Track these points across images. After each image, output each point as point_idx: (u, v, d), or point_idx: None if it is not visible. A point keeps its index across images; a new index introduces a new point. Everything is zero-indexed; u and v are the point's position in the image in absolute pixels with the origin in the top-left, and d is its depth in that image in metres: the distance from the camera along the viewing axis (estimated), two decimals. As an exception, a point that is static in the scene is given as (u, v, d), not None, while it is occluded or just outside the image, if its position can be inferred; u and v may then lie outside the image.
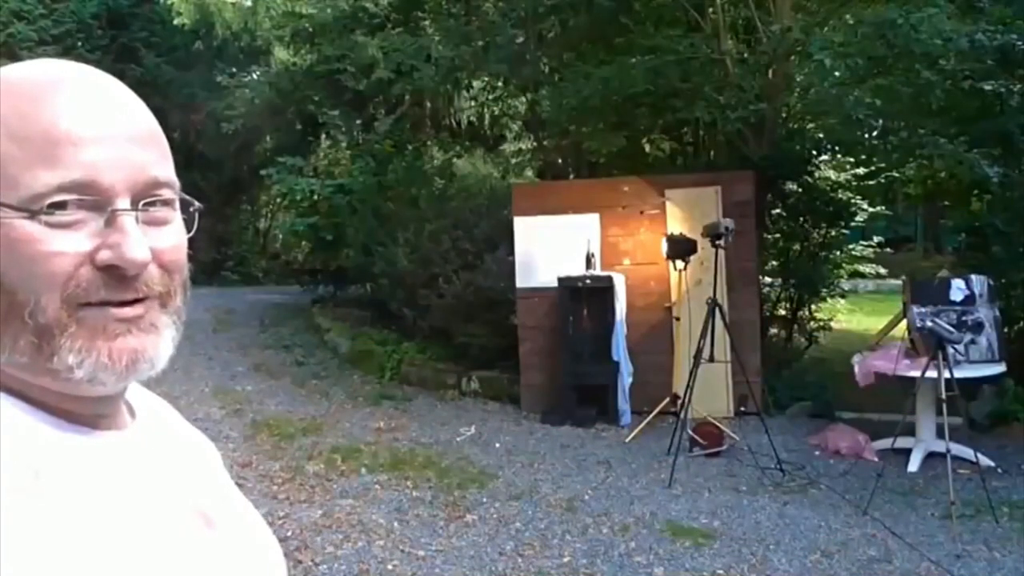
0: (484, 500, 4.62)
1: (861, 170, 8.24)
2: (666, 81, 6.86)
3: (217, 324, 9.43)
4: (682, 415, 5.30)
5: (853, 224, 8.39)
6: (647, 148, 9.59)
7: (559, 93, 7.59)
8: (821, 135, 8.44)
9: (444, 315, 7.45)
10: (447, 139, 10.95)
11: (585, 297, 6.40)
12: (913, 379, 4.81)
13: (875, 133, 8.64)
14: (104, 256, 0.56)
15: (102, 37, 13.63)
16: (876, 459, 5.12)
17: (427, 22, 9.81)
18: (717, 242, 5.26)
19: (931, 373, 4.53)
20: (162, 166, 0.61)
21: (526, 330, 6.82)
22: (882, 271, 9.48)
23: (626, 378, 6.28)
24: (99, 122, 0.58)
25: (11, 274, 0.55)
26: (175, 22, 11.96)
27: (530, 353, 6.78)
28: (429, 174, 9.78)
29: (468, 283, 7.25)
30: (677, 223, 6.42)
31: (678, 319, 6.34)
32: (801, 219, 7.63)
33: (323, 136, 11.47)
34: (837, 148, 8.77)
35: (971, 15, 5.98)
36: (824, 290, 7.91)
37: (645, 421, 5.98)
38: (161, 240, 0.60)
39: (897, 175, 9.57)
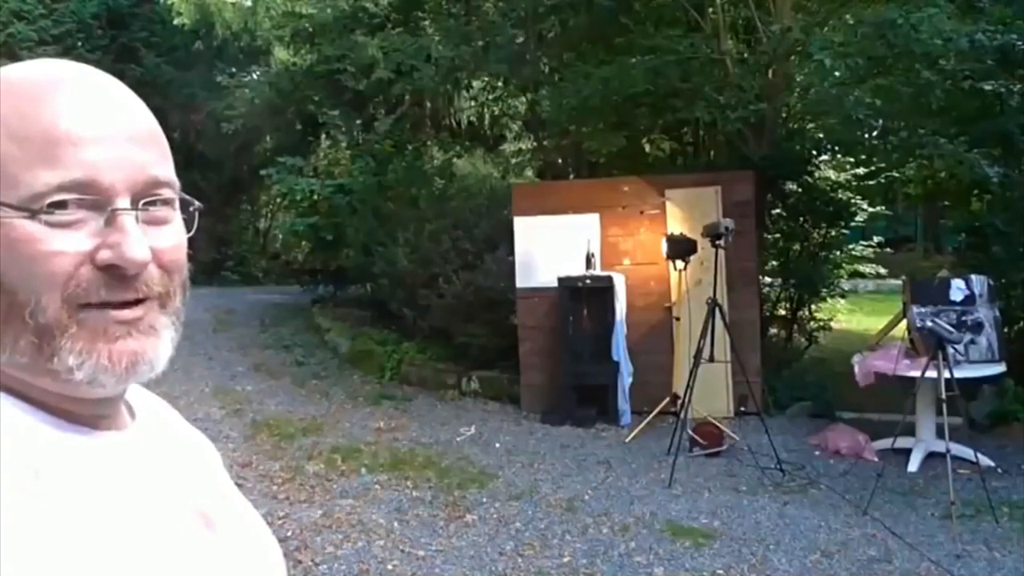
0: (484, 500, 4.62)
1: (861, 170, 8.24)
2: (666, 81, 6.86)
3: (217, 324, 9.43)
4: (682, 415, 5.30)
5: (853, 224, 8.39)
6: (647, 148, 9.59)
7: (559, 93, 7.59)
8: (821, 135, 8.44)
9: (444, 315, 7.45)
10: (447, 139, 10.95)
11: (585, 297, 6.40)
12: (913, 379, 4.81)
13: (875, 133, 8.64)
14: (104, 256, 0.56)
15: (102, 37, 13.64)
16: (876, 459, 5.12)
17: (427, 22, 9.81)
18: (717, 242, 5.26)
19: (931, 373, 4.53)
20: (162, 166, 0.61)
21: (526, 330, 6.82)
22: (882, 271, 9.48)
23: (626, 378, 6.28)
24: (99, 122, 0.58)
25: (11, 274, 0.55)
26: (175, 22, 11.96)
27: (530, 353, 6.78)
28: (429, 174, 9.78)
29: (468, 283, 7.25)
30: (677, 223, 6.43)
31: (678, 319, 6.34)
32: (801, 219, 7.63)
33: (323, 136, 11.47)
34: (837, 148, 8.77)
35: (971, 15, 5.98)
36: (824, 290, 7.91)
37: (645, 421, 5.98)
38: (161, 240, 0.60)
39: (897, 175, 9.57)
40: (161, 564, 0.57)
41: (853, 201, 7.97)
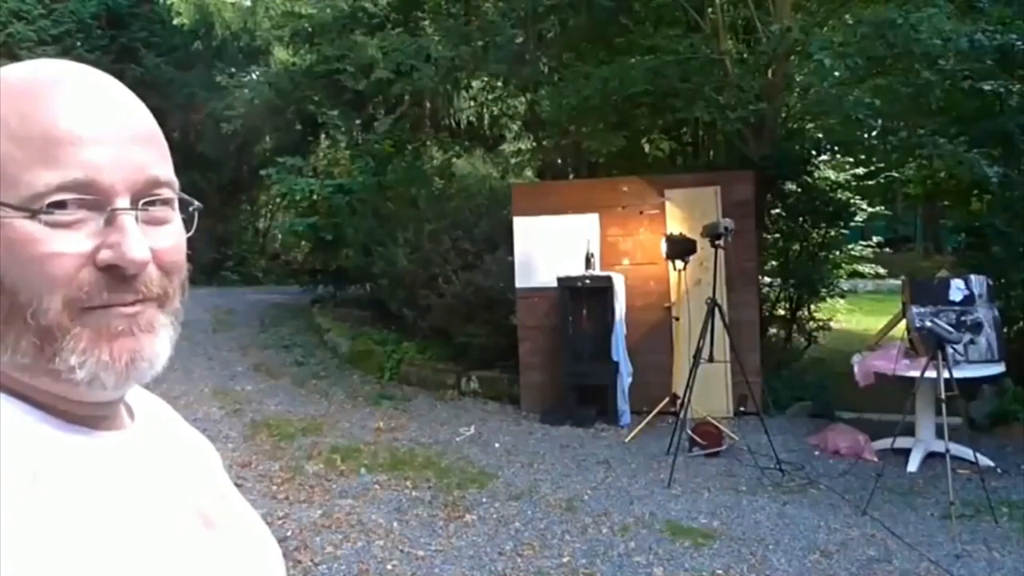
0: (483, 500, 4.62)
1: (861, 170, 8.24)
2: (666, 81, 6.86)
3: (217, 324, 9.43)
4: (682, 415, 5.30)
5: (853, 224, 8.39)
6: (647, 148, 9.59)
7: (559, 93, 7.59)
8: (821, 135, 8.45)
9: (444, 315, 7.45)
10: (446, 139, 10.94)
11: (585, 297, 6.41)
12: (912, 379, 4.81)
13: (875, 133, 8.65)
14: (104, 256, 0.56)
15: (102, 37, 13.64)
16: (876, 459, 5.12)
17: (427, 22, 9.81)
18: (717, 242, 5.26)
19: (930, 373, 4.53)
20: (161, 166, 0.61)
21: (526, 330, 6.82)
22: (881, 271, 9.49)
23: (625, 378, 6.28)
24: (99, 122, 0.58)
25: (12, 275, 0.55)
26: (175, 22, 11.97)
27: (530, 353, 6.78)
28: (429, 174, 9.78)
29: (468, 283, 7.25)
30: (677, 223, 6.43)
31: (677, 319, 6.34)
32: (801, 219, 7.63)
33: (323, 136, 11.47)
34: (837, 148, 8.78)
35: (971, 15, 5.98)
36: (823, 290, 7.91)
37: (645, 421, 5.98)
38: (161, 240, 0.60)
39: (897, 175, 9.58)
40: (161, 564, 0.57)
41: (853, 201, 7.97)
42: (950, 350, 4.55)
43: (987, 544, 3.92)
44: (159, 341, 0.60)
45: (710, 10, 7.24)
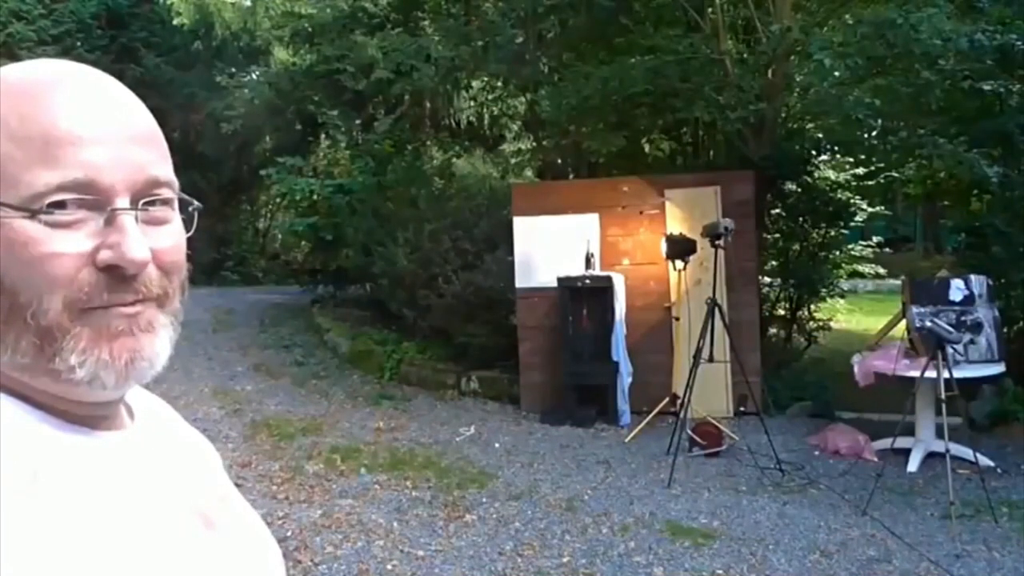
0: (483, 500, 4.62)
1: (861, 170, 8.24)
2: (666, 81, 6.86)
3: (217, 324, 9.43)
4: (682, 415, 5.30)
5: (852, 224, 8.39)
6: (647, 148, 9.59)
7: (559, 93, 7.58)
8: (821, 135, 8.45)
9: (444, 315, 7.45)
10: (446, 139, 10.95)
11: (585, 297, 6.41)
12: (912, 379, 4.81)
13: (875, 133, 8.65)
14: (104, 256, 0.56)
15: (101, 37, 13.64)
16: (875, 459, 5.12)
17: (426, 22, 9.81)
18: (717, 242, 5.26)
19: (930, 373, 4.53)
20: (161, 166, 0.61)
21: (526, 330, 6.82)
22: (881, 271, 9.49)
23: (625, 378, 6.28)
24: (98, 122, 0.58)
25: (12, 275, 0.55)
26: (175, 22, 11.97)
27: (530, 353, 6.78)
28: (428, 174, 9.78)
29: (468, 283, 7.25)
30: (677, 223, 6.43)
31: (677, 319, 6.34)
32: (801, 219, 7.63)
33: (323, 136, 11.47)
34: (837, 148, 8.78)
35: (971, 15, 5.98)
36: (823, 290, 7.91)
37: (645, 421, 5.98)
38: (160, 240, 0.60)
39: (897, 175, 9.58)
40: (160, 564, 0.57)
41: (852, 201, 7.97)
42: (950, 350, 4.55)
43: (987, 544, 3.92)
44: (159, 341, 0.60)
45: (710, 10, 7.24)
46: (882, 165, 8.73)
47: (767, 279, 7.74)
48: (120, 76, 0.61)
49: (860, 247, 8.97)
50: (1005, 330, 5.62)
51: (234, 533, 0.69)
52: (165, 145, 0.63)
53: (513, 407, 6.78)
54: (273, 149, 12.78)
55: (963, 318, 4.99)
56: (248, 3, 12.16)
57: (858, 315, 10.05)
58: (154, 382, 0.63)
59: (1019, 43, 5.50)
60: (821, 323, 8.16)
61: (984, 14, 6.06)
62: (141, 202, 0.59)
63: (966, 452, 4.69)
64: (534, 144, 10.33)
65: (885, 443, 5.11)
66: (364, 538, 4.05)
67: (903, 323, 5.30)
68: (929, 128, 6.62)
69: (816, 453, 5.45)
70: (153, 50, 13.99)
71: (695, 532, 4.14)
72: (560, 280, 6.43)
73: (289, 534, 4.04)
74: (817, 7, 7.67)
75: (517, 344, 6.84)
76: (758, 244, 6.91)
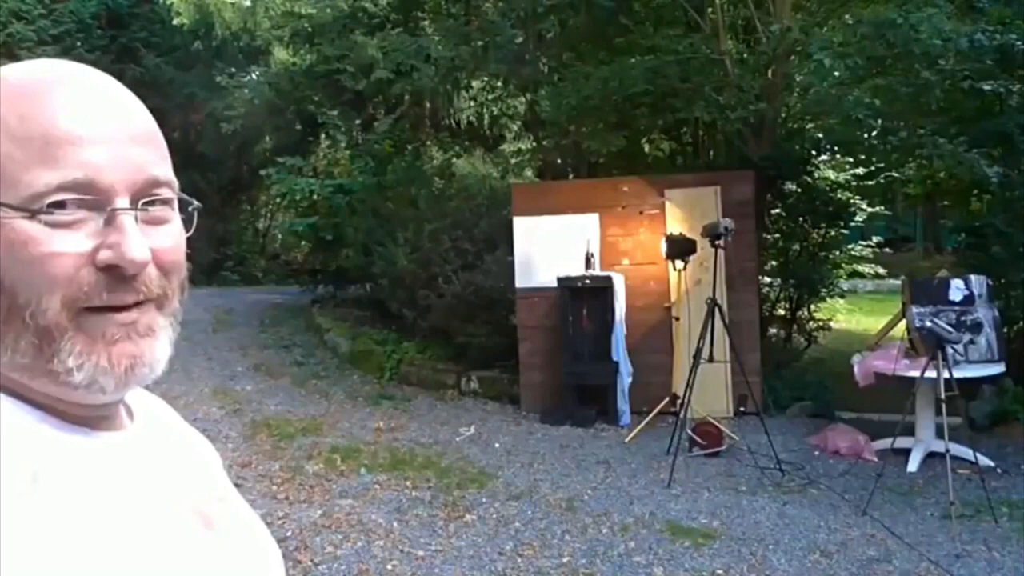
0: (483, 500, 4.62)
1: (861, 170, 8.24)
2: (666, 81, 6.86)
3: (217, 324, 9.43)
4: (681, 415, 5.30)
5: (852, 224, 8.39)
6: (647, 148, 9.59)
7: (559, 93, 7.59)
8: (821, 135, 8.44)
9: (444, 315, 7.45)
10: (446, 139, 10.94)
11: (585, 297, 6.40)
12: (912, 379, 4.81)
13: (875, 133, 8.63)
14: (104, 256, 0.56)
15: (101, 37, 13.64)
16: (875, 459, 5.12)
17: (426, 22, 9.82)
18: (716, 242, 5.26)
19: (930, 373, 4.53)
20: (161, 166, 0.61)
21: (526, 330, 6.82)
22: (881, 271, 9.49)
23: (625, 378, 6.28)
24: (98, 122, 0.58)
25: (11, 275, 0.55)
26: (174, 22, 11.97)
27: (530, 353, 6.78)
28: (428, 174, 9.79)
29: (468, 283, 7.25)
30: (677, 223, 6.43)
31: (677, 319, 6.35)
32: (801, 219, 7.63)
33: (323, 136, 11.47)
34: (837, 148, 8.77)
35: (971, 15, 5.99)
36: (823, 290, 7.91)
37: (645, 421, 5.98)
38: (160, 240, 0.60)
39: (897, 175, 9.57)
40: (160, 564, 0.57)
41: (852, 201, 7.97)
42: (950, 350, 4.55)
43: (987, 544, 3.92)
44: (159, 345, 0.61)
45: (710, 10, 7.24)
46: (882, 165, 8.72)
47: (767, 279, 7.73)
48: (120, 76, 0.61)
49: (860, 247, 8.97)
50: (1005, 330, 5.62)
51: (234, 533, 0.69)
52: (165, 145, 0.63)
53: (513, 407, 6.78)
54: (273, 149, 12.78)
55: (963, 318, 4.99)
56: (248, 3, 12.15)
57: (858, 315, 10.05)
58: (154, 382, 0.63)
59: (1019, 43, 5.50)
60: (821, 323, 8.16)
61: (984, 14, 6.06)
62: (141, 202, 0.59)
63: (966, 452, 4.69)
64: (534, 144, 10.33)
65: (885, 443, 5.11)
66: (364, 538, 4.05)
67: (903, 323, 5.30)
68: (929, 128, 6.62)
69: (816, 453, 5.45)
70: (153, 50, 13.99)
71: (695, 532, 4.14)
72: (560, 280, 6.43)
73: (289, 534, 4.04)
74: (817, 7, 7.67)
75: (517, 344, 6.84)
76: (758, 244, 6.91)
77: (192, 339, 8.34)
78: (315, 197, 9.62)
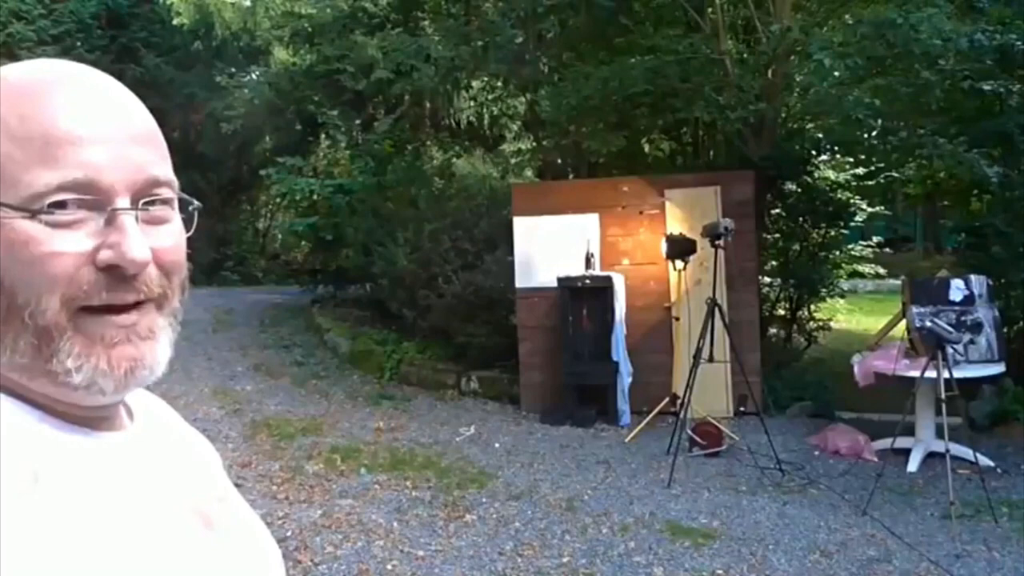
0: (483, 500, 4.62)
1: (861, 170, 8.24)
2: (666, 81, 6.86)
3: (217, 324, 9.43)
4: (681, 415, 5.30)
5: (852, 224, 8.39)
6: (647, 148, 9.59)
7: (559, 93, 7.59)
8: (821, 135, 8.44)
9: (444, 315, 7.45)
10: (446, 139, 10.94)
11: (585, 297, 6.40)
12: (912, 379, 4.81)
13: (875, 133, 8.64)
14: (104, 256, 0.56)
15: (101, 37, 13.64)
16: (875, 459, 5.12)
17: (426, 22, 9.82)
18: (716, 242, 5.26)
19: (930, 373, 4.53)
20: (161, 165, 0.61)
21: (526, 330, 6.82)
22: (881, 271, 9.49)
23: (625, 378, 6.28)
24: (98, 122, 0.58)
25: (11, 275, 0.55)
26: (174, 22, 11.97)
27: (530, 353, 6.78)
28: (428, 174, 9.79)
29: (468, 283, 7.25)
30: (677, 223, 6.43)
31: (677, 319, 6.35)
32: (801, 219, 7.63)
33: (323, 136, 11.47)
34: (837, 148, 8.77)
35: (971, 15, 5.99)
36: (823, 290, 7.91)
37: (645, 421, 5.98)
38: (160, 239, 0.60)
39: (897, 175, 9.57)
40: (160, 564, 0.57)
41: (852, 201, 7.97)
42: (950, 350, 4.55)
43: (987, 544, 3.92)
44: (159, 347, 0.61)
45: (710, 10, 7.24)
46: (882, 165, 8.72)
47: (767, 279, 7.73)
48: (120, 76, 0.61)
49: (860, 247, 8.97)
50: (1005, 330, 5.62)
51: (233, 533, 0.69)
52: (165, 145, 0.63)
53: (513, 407, 6.78)
54: (273, 149, 12.78)
55: (963, 318, 4.99)
56: (248, 3, 12.16)
57: (858, 315, 10.05)
58: (154, 382, 0.63)
59: (1019, 43, 5.50)
60: (821, 323, 8.16)
61: (984, 14, 6.06)
62: (141, 202, 0.59)
63: (966, 452, 4.69)
64: (534, 144, 10.33)
65: (885, 443, 5.11)
66: (364, 538, 4.05)
67: (903, 323, 5.30)
68: (929, 128, 6.62)
69: (816, 453, 5.45)
70: (153, 50, 13.99)
71: (695, 532, 4.14)
72: (560, 280, 6.43)
73: (289, 534, 4.04)
74: (817, 7, 7.67)
75: (517, 344, 6.84)
76: (758, 244, 6.91)
77: (192, 339, 8.34)
78: (315, 197, 9.62)
